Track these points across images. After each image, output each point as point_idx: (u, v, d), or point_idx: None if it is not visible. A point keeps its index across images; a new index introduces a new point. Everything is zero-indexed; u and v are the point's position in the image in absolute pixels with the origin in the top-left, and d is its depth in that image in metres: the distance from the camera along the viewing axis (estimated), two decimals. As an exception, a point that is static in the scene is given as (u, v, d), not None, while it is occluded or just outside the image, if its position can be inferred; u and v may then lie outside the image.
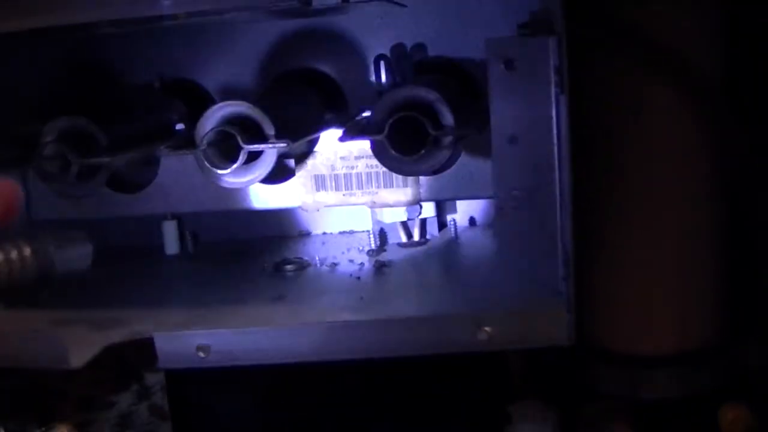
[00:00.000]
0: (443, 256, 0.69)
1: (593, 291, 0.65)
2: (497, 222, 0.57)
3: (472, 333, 0.53)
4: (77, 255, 0.46)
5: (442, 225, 0.73)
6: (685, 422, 0.66)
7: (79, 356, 0.58)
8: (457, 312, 0.55)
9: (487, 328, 0.53)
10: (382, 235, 0.72)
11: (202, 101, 0.70)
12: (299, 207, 0.70)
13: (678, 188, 0.65)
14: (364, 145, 0.66)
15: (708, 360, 0.66)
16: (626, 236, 0.66)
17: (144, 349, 0.73)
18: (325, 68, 0.70)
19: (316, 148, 0.69)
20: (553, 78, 0.54)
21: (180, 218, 0.76)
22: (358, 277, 0.65)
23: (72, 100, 0.68)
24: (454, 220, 0.73)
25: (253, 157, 0.61)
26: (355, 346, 0.55)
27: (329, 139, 0.68)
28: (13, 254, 0.40)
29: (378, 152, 0.59)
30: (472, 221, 0.74)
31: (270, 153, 0.61)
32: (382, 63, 0.66)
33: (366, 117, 0.61)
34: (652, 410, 0.66)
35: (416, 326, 0.55)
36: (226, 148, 0.60)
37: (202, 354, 0.56)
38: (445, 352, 0.54)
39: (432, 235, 0.73)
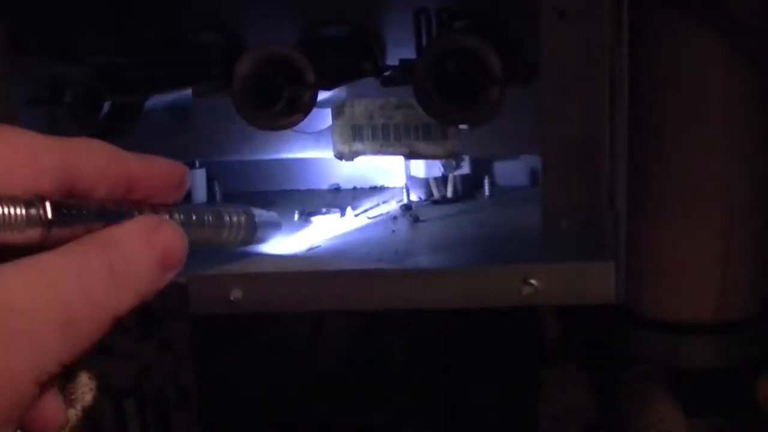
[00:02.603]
0: (481, 212, 0.67)
1: (634, 254, 0.64)
2: (543, 177, 0.55)
3: (518, 287, 0.51)
4: (273, 230, 0.47)
5: (478, 183, 0.71)
6: (723, 392, 0.65)
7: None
8: (502, 264, 0.53)
9: (533, 281, 0.51)
10: (417, 190, 0.71)
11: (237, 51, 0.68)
12: (334, 156, 0.68)
13: (727, 152, 0.63)
14: (403, 95, 0.64)
15: (748, 331, 0.65)
16: (669, 201, 0.64)
17: (168, 298, 0.72)
18: (366, 18, 0.68)
19: (354, 98, 0.67)
20: (607, 27, 0.53)
21: (208, 167, 0.74)
22: (393, 231, 0.64)
23: (107, 40, 0.67)
24: (489, 178, 0.71)
25: (291, 102, 0.59)
26: (392, 297, 0.53)
27: (368, 89, 0.66)
28: (232, 218, 0.40)
29: (422, 99, 0.57)
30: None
31: (309, 98, 0.59)
32: (422, 14, 0.64)
33: (410, 64, 0.59)
34: (689, 379, 0.65)
35: (457, 278, 0.53)
36: (261, 93, 0.59)
37: (234, 299, 0.55)
38: (487, 306, 0.52)
39: (468, 193, 0.71)
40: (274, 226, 0.46)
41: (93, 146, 0.33)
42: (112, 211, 0.32)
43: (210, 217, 0.38)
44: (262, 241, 0.44)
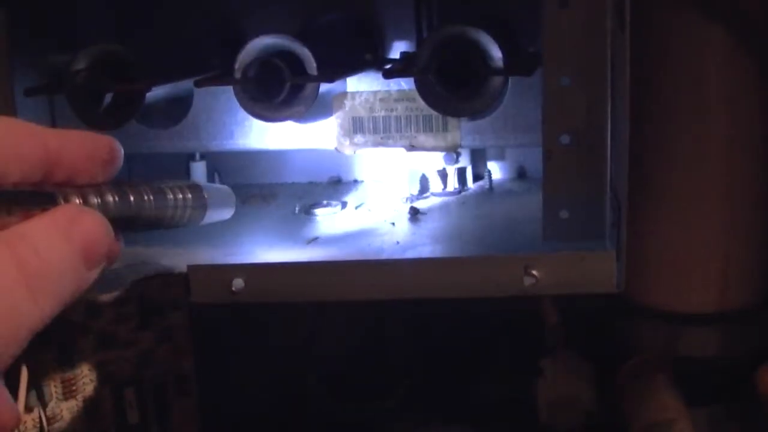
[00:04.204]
0: (481, 205, 0.67)
1: (635, 244, 0.64)
2: (544, 166, 0.55)
3: (519, 276, 0.51)
4: (226, 205, 0.43)
5: (478, 176, 0.71)
6: (724, 381, 0.65)
7: (109, 291, 0.57)
8: (504, 254, 0.53)
9: (534, 272, 0.51)
10: (417, 183, 0.71)
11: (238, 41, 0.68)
12: (335, 149, 0.68)
13: (728, 141, 0.63)
14: (404, 87, 0.64)
15: (748, 320, 0.65)
16: (670, 190, 0.64)
17: (169, 287, 0.72)
18: (367, 9, 0.68)
19: (355, 90, 0.67)
20: (610, 16, 0.53)
21: (208, 160, 0.74)
22: (393, 223, 0.64)
23: (108, 30, 0.67)
24: (489, 171, 0.71)
25: (292, 93, 0.59)
26: (393, 287, 0.54)
27: (368, 81, 0.66)
28: (177, 195, 0.36)
29: (423, 90, 0.57)
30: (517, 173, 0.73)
31: (311, 89, 0.59)
32: (423, 5, 0.65)
33: (411, 55, 0.60)
34: (690, 368, 0.65)
35: (458, 268, 0.53)
36: (263, 84, 0.59)
37: (235, 289, 0.55)
38: (488, 296, 0.52)
39: (468, 186, 0.71)
40: (225, 202, 0.42)
41: (1, 123, 0.29)
42: (26, 197, 0.28)
43: (150, 196, 0.33)
44: (213, 219, 0.40)
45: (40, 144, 0.29)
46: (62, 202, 0.29)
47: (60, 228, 0.27)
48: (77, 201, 0.30)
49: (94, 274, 0.29)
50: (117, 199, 0.31)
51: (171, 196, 0.35)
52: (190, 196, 0.37)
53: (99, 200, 0.30)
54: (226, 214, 0.42)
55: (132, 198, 0.32)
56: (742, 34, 0.61)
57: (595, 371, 0.67)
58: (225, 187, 0.43)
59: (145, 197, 0.33)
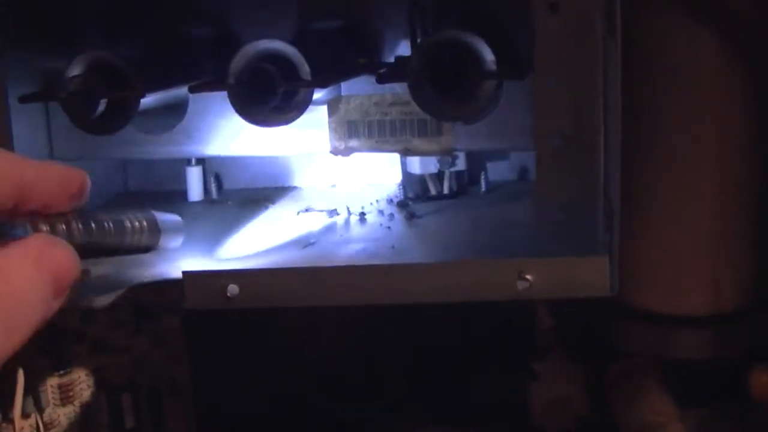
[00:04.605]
0: (476, 209, 0.67)
1: (626, 246, 0.64)
2: (536, 169, 0.56)
3: (513, 281, 0.51)
4: (176, 232, 0.45)
5: (473, 179, 0.72)
6: (715, 383, 0.65)
7: (103, 296, 0.57)
8: (498, 258, 0.53)
9: (528, 276, 0.51)
10: (413, 187, 0.71)
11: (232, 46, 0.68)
12: (330, 153, 0.68)
13: (719, 147, 0.63)
14: (398, 91, 0.64)
15: (739, 322, 0.65)
16: (662, 192, 0.64)
17: (163, 293, 0.72)
18: (360, 13, 0.68)
19: (349, 94, 0.67)
20: (600, 20, 0.53)
21: (204, 165, 0.74)
22: (389, 227, 0.64)
23: (102, 36, 0.67)
24: (485, 174, 0.71)
25: (286, 99, 0.59)
26: (387, 291, 0.54)
27: (363, 85, 0.66)
28: (134, 224, 0.38)
29: (417, 95, 0.57)
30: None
31: (304, 95, 0.59)
32: (417, 9, 0.65)
33: (405, 60, 0.60)
34: (681, 370, 0.65)
35: (452, 272, 0.53)
36: (257, 89, 0.59)
37: (230, 295, 0.55)
38: (482, 299, 0.53)
39: (463, 189, 0.71)
40: (177, 229, 0.45)
41: None
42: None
43: (110, 224, 0.36)
44: (166, 245, 0.43)
45: (17, 175, 0.30)
46: (31, 231, 0.30)
47: (31, 259, 0.28)
48: (45, 229, 0.31)
49: (61, 301, 0.29)
50: (81, 227, 0.33)
51: (129, 224, 0.38)
52: (145, 224, 0.39)
53: (65, 229, 0.32)
54: (177, 240, 0.45)
55: (94, 226, 0.34)
56: (733, 36, 0.61)
57: (587, 374, 0.67)
58: (176, 216, 0.45)
59: (106, 225, 0.35)
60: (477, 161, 0.72)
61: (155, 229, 0.40)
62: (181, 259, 0.59)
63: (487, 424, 0.73)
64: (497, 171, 0.74)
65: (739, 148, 0.64)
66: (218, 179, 0.75)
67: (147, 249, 0.40)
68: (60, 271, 0.29)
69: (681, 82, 0.62)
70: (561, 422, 0.67)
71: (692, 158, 0.63)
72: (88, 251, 0.32)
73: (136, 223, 0.38)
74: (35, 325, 0.28)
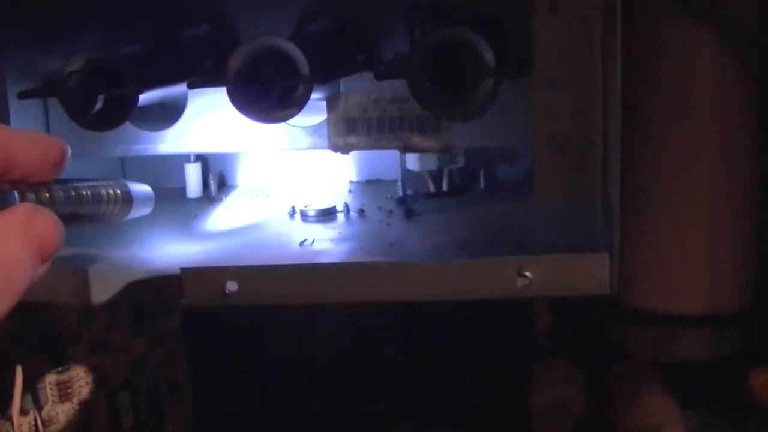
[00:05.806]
0: (475, 207, 0.67)
1: (625, 247, 0.64)
2: (533, 170, 0.55)
3: (512, 278, 0.51)
4: (147, 202, 0.46)
5: (471, 177, 0.71)
6: (714, 384, 0.65)
7: (101, 292, 0.57)
8: (497, 256, 0.53)
9: (527, 274, 0.51)
10: (411, 184, 0.71)
11: (231, 43, 0.68)
12: (329, 149, 0.68)
13: (717, 145, 0.63)
14: (397, 88, 0.64)
15: (738, 323, 0.65)
16: (660, 193, 0.64)
17: (162, 292, 0.72)
18: (359, 11, 0.68)
19: (348, 91, 0.67)
20: (600, 20, 0.53)
21: (203, 161, 0.74)
22: (387, 224, 0.64)
23: (100, 33, 0.67)
24: (483, 171, 0.71)
25: (285, 95, 0.59)
26: (386, 289, 0.54)
27: (362, 82, 0.66)
28: (109, 191, 0.39)
29: (415, 92, 0.57)
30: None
31: (303, 91, 0.59)
32: (416, 7, 0.64)
33: (404, 57, 0.59)
34: (680, 371, 0.65)
35: (451, 271, 0.53)
36: (255, 86, 0.59)
37: (229, 292, 0.55)
38: (481, 297, 0.52)
39: (462, 187, 0.71)
40: (148, 199, 0.45)
41: None
42: None
43: (88, 192, 0.37)
44: (136, 214, 0.44)
45: (3, 145, 0.31)
46: (19, 200, 0.31)
47: (19, 227, 0.29)
48: (31, 197, 0.32)
49: (45, 268, 0.30)
50: (62, 195, 0.34)
51: (104, 193, 0.39)
52: (119, 192, 0.40)
53: (48, 197, 0.33)
54: (147, 209, 0.46)
55: (74, 194, 0.35)
56: (731, 37, 0.61)
57: (585, 375, 0.67)
58: (146, 186, 0.46)
59: (84, 194, 0.36)
60: (476, 158, 0.72)
61: (128, 198, 0.41)
62: (179, 255, 0.59)
63: (486, 425, 0.73)
64: (504, 169, 0.73)
65: (736, 149, 0.64)
66: (221, 177, 0.75)
67: (120, 217, 0.41)
68: (46, 239, 0.30)
69: (677, 84, 0.62)
70: (560, 422, 0.67)
71: (691, 159, 0.63)
72: (67, 219, 0.33)
73: (111, 192, 0.39)
74: (22, 292, 0.29)
